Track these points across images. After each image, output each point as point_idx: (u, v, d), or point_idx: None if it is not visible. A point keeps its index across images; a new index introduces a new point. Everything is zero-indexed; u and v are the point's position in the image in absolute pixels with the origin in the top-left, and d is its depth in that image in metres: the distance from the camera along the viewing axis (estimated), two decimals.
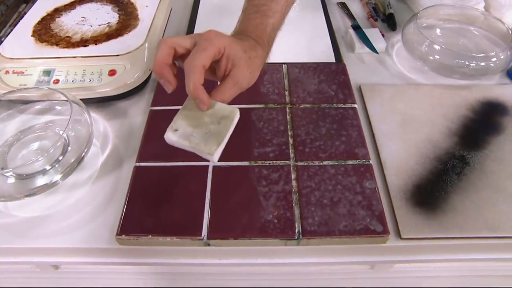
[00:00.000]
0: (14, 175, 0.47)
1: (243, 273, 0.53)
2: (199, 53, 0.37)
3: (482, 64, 0.58)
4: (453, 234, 0.44)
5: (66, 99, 0.50)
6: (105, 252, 0.44)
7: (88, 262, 0.45)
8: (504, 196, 0.47)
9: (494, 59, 0.58)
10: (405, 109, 0.57)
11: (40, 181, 0.46)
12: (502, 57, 0.58)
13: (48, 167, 0.47)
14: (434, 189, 0.47)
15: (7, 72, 0.57)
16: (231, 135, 0.39)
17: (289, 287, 0.56)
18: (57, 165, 0.48)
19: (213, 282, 0.55)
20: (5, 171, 0.47)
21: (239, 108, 0.40)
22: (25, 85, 0.56)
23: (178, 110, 0.41)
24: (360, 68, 0.65)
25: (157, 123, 0.53)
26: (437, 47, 0.60)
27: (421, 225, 0.44)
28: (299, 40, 0.69)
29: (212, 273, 0.53)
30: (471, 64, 0.58)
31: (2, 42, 0.63)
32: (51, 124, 0.54)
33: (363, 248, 0.44)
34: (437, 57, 0.60)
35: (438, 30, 0.67)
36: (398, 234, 0.44)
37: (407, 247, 0.44)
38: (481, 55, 0.58)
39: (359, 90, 0.60)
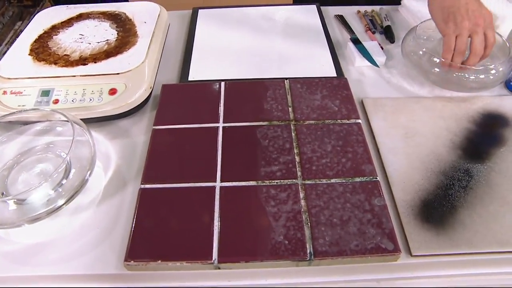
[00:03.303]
0: (15, 200, 0.46)
1: None
2: None
3: (482, 76, 0.59)
4: (462, 250, 0.44)
5: (66, 119, 0.50)
6: (113, 278, 0.43)
7: None
8: (511, 209, 0.47)
9: (493, 72, 0.59)
10: (407, 123, 0.57)
11: (43, 206, 0.45)
12: (501, 69, 0.59)
13: (51, 192, 0.46)
14: (442, 204, 0.48)
15: (5, 92, 0.56)
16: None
17: None
18: (60, 189, 0.46)
19: None
20: (6, 198, 0.46)
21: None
22: (23, 105, 0.55)
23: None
24: (360, 81, 0.65)
25: (160, 143, 0.52)
26: (436, 60, 0.61)
27: (430, 242, 0.44)
28: (299, 55, 0.69)
29: None
30: (471, 77, 0.59)
31: None
32: (52, 145, 0.53)
33: (373, 266, 0.44)
34: (437, 70, 0.61)
35: (437, 43, 0.67)
36: (409, 251, 0.44)
37: (417, 264, 0.44)
38: (481, 68, 0.59)
39: (361, 104, 0.61)
